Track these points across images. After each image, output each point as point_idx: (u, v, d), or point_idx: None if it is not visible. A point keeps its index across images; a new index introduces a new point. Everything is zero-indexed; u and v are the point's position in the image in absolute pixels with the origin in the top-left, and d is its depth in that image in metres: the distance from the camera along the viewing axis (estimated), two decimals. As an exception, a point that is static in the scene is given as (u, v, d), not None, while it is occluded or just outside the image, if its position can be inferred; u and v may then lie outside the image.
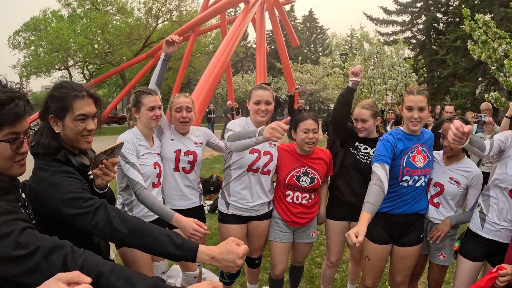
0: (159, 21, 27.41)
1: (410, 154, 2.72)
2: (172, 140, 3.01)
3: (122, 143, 2.11)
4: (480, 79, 19.11)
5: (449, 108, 7.76)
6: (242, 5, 14.71)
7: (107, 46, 24.40)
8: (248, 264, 3.33)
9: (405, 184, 2.72)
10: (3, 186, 1.36)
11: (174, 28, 25.23)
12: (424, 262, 3.11)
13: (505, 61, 6.34)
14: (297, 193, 3.01)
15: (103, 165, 1.88)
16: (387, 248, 2.87)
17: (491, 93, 7.20)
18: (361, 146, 3.11)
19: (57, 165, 1.68)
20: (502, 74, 7.14)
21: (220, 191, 3.16)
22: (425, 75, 22.97)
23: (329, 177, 3.28)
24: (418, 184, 2.73)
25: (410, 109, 2.64)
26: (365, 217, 2.21)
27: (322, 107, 36.52)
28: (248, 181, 2.96)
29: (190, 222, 2.13)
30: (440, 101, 19.69)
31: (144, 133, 2.80)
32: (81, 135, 1.76)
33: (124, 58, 24.55)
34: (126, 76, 26.89)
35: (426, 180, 2.78)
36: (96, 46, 25.50)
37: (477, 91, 18.93)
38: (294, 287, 3.55)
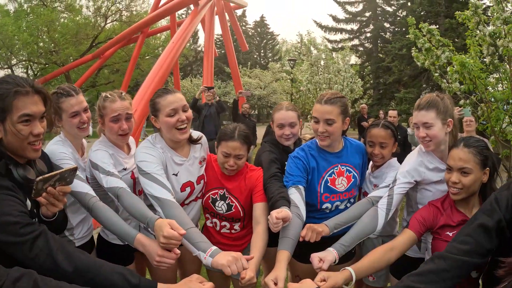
0: (108, 21, 26.71)
1: (327, 178, 2.29)
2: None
3: (75, 168, 1.61)
4: (424, 85, 20.03)
5: (392, 113, 7.97)
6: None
7: (52, 45, 23.40)
8: None
9: (327, 211, 2.32)
10: None
11: (123, 29, 24.61)
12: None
13: (448, 68, 6.51)
14: (214, 219, 2.46)
15: (48, 194, 1.50)
16: (310, 266, 2.27)
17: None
18: None
19: None
20: (444, 80, 7.33)
21: None
22: (371, 81, 23.79)
23: None
24: (342, 207, 2.34)
25: (316, 121, 2.21)
26: (284, 256, 1.88)
27: (270, 112, 36.95)
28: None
29: (155, 247, 1.68)
30: (385, 106, 20.42)
31: (75, 144, 2.30)
32: (27, 141, 1.45)
33: (71, 58, 23.61)
34: (72, 78, 25.92)
35: (353, 200, 2.41)
36: (41, 44, 24.32)
37: (421, 97, 19.77)
38: None
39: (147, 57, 27.82)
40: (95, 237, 2.53)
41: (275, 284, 1.72)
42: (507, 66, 6.37)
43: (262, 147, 2.60)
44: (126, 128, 2.29)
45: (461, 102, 7.08)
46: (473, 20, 6.70)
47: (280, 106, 2.63)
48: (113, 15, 26.84)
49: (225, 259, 1.66)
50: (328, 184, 2.26)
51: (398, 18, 23.14)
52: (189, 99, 30.13)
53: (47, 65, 24.92)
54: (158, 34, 26.43)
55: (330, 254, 1.90)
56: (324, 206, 2.29)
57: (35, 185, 1.43)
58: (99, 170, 2.09)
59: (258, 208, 2.23)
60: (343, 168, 2.30)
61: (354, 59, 26.27)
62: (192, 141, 2.39)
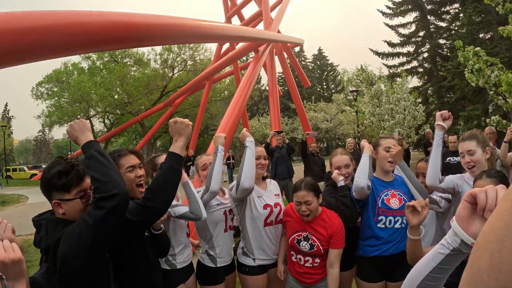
0: (175, 71, 28.68)
1: (384, 197, 2.90)
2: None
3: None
4: (489, 99, 19.13)
5: (452, 138, 7.89)
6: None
7: (126, 96, 25.49)
8: None
9: (382, 226, 2.88)
10: None
11: (189, 77, 26.28)
12: None
13: (499, 88, 6.78)
14: (299, 255, 2.90)
15: None
16: (379, 285, 2.93)
17: (492, 117, 7.59)
18: None
19: None
20: (500, 97, 7.50)
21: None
22: (436, 101, 23.28)
23: None
24: (397, 226, 2.87)
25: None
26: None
27: (339, 143, 36.96)
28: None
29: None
30: (453, 126, 19.92)
31: None
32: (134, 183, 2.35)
33: (143, 107, 25.54)
34: (146, 125, 27.84)
35: (405, 221, 2.79)
36: (116, 96, 26.51)
37: (490, 110, 19.02)
38: None
39: (213, 99, 29.37)
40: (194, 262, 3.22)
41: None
42: None
43: (326, 190, 3.22)
44: None
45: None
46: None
47: (336, 152, 3.29)
48: (179, 66, 28.76)
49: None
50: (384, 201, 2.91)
51: (453, 31, 22.74)
52: (258, 138, 31.31)
53: (122, 115, 27.14)
54: (223, 79, 27.93)
55: None
56: (379, 218, 2.91)
57: None
58: None
59: (334, 254, 2.79)
60: (395, 192, 2.94)
61: (416, 81, 25.92)
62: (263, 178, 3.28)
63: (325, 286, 2.87)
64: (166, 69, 28.63)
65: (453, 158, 6.36)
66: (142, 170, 2.35)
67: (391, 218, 2.86)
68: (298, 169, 10.72)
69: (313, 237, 2.81)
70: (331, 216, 2.86)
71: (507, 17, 6.77)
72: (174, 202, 2.72)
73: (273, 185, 3.31)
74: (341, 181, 2.99)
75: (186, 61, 29.05)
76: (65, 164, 1.74)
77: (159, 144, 38.47)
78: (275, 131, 9.63)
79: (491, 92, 7.47)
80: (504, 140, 5.60)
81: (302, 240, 2.85)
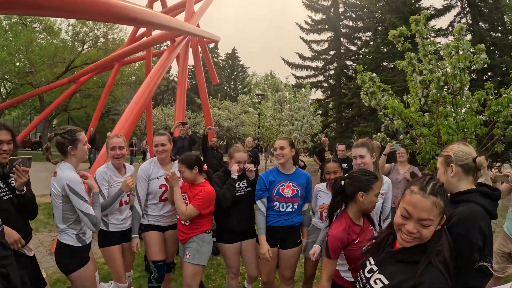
0: (85, 46, 26.87)
1: (279, 186, 3.72)
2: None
3: (30, 157, 2.90)
4: (381, 120, 21.05)
5: (340, 147, 8.93)
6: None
7: (28, 65, 23.16)
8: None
9: (277, 210, 3.74)
10: None
11: (99, 55, 24.97)
12: (315, 265, 4.04)
13: (389, 110, 7.64)
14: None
15: (15, 170, 2.74)
16: (273, 250, 3.74)
17: (378, 134, 8.50)
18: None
19: None
20: (388, 118, 8.41)
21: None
22: (334, 115, 25.09)
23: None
24: (288, 210, 3.72)
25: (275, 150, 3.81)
26: (263, 237, 3.61)
27: (239, 143, 37.74)
28: None
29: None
30: (347, 139, 21.70)
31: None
32: None
33: (44, 79, 23.51)
34: (45, 100, 25.81)
35: (296, 206, 3.74)
36: (17, 63, 24.05)
37: (382, 129, 21.01)
38: None
39: (119, 82, 28.13)
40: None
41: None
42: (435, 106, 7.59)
43: (217, 174, 4.07)
44: (119, 154, 3.76)
45: (401, 136, 8.26)
46: (408, 69, 7.93)
47: (238, 148, 4.04)
48: (91, 41, 27.06)
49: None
50: (279, 190, 3.72)
51: (361, 55, 24.75)
52: (158, 128, 30.72)
53: (22, 85, 24.68)
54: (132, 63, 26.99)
55: (318, 248, 3.41)
56: (274, 204, 3.73)
57: (9, 162, 2.77)
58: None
59: (189, 206, 3.59)
60: (290, 183, 3.75)
61: (319, 94, 27.57)
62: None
63: (196, 242, 3.63)
64: (76, 43, 26.61)
65: (343, 165, 7.06)
66: (9, 146, 2.83)
67: (284, 203, 3.70)
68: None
69: (187, 198, 3.68)
70: (205, 185, 3.69)
71: (404, 53, 7.66)
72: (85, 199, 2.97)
73: (175, 167, 4.01)
74: (234, 175, 3.84)
75: (99, 37, 27.38)
76: None
77: (55, 122, 35.62)
78: (179, 122, 9.72)
79: (380, 113, 8.31)
80: (383, 153, 6.42)
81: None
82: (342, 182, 2.71)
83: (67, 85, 21.65)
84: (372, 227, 2.79)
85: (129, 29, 19.82)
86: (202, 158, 9.54)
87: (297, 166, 3.96)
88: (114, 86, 23.97)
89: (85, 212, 2.86)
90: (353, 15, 25.99)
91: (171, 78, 47.45)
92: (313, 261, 3.81)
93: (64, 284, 4.70)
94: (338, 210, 2.76)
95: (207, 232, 3.72)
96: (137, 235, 3.85)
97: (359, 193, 2.60)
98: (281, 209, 3.69)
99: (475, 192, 2.15)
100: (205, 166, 3.85)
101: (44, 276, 4.32)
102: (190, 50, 15.69)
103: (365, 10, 23.68)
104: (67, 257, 3.01)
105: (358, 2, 25.23)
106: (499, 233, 4.78)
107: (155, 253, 3.94)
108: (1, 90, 28.45)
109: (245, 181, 4.01)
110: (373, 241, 2.06)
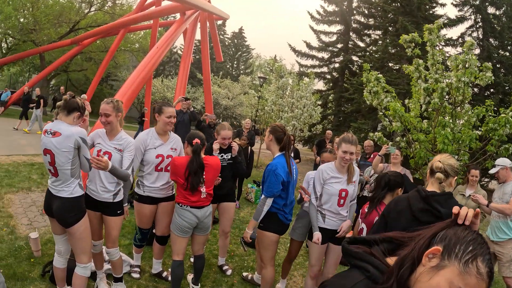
0: (92, 8, 26.28)
1: None
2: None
3: None
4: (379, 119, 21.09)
5: (338, 140, 9.05)
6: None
7: (33, 22, 22.54)
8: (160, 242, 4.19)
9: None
10: None
11: (105, 19, 24.54)
12: (298, 247, 4.49)
13: (390, 112, 7.75)
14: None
15: None
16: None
17: (375, 133, 8.62)
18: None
19: None
20: (387, 119, 8.52)
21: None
22: (333, 108, 25.13)
23: None
24: None
25: None
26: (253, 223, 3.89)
27: (234, 122, 37.67)
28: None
29: None
30: (342, 133, 21.56)
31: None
32: None
33: (46, 38, 23.11)
34: (46, 59, 25.43)
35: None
36: (22, 20, 23.50)
37: (378, 128, 21.17)
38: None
39: (122, 49, 27.79)
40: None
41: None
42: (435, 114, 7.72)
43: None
44: (105, 121, 3.54)
45: (398, 138, 8.40)
46: (415, 74, 8.02)
47: (224, 126, 4.62)
48: (98, 4, 26.44)
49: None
50: None
51: (368, 53, 24.68)
52: (157, 99, 30.25)
53: (24, 42, 24.11)
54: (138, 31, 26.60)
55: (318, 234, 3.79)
56: None
57: None
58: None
59: None
60: None
61: (321, 85, 27.51)
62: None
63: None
64: (84, 4, 25.93)
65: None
66: None
67: None
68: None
69: None
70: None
71: (413, 59, 7.73)
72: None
73: (174, 139, 4.24)
74: (216, 151, 4.37)
75: (107, 1, 26.58)
76: None
77: (53, 82, 35.19)
78: (182, 97, 9.77)
79: (380, 113, 8.41)
80: (379, 154, 6.56)
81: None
82: (389, 178, 3.58)
83: (70, 46, 21.46)
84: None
85: (138, -3, 19.44)
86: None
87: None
88: (116, 52, 23.60)
89: (88, 158, 3.20)
90: (366, 12, 25.78)
91: (175, 50, 46.97)
92: (297, 244, 4.42)
93: (55, 245, 4.80)
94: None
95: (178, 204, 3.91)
96: (127, 204, 3.93)
97: (399, 188, 3.58)
98: None
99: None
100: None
101: (36, 236, 4.46)
102: (198, 25, 15.61)
103: (378, 8, 23.47)
104: (73, 209, 3.22)
105: (373, 0, 25.04)
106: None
107: (143, 223, 4.27)
108: (2, 45, 27.89)
109: (230, 153, 4.71)
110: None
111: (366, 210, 3.78)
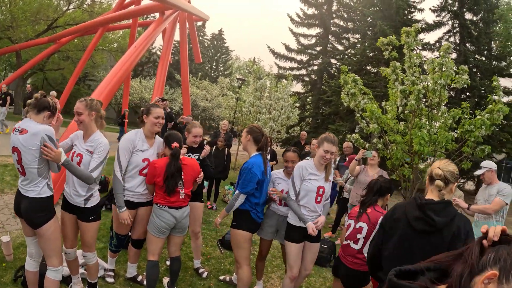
0: (70, 6, 25.66)
1: None
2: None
3: None
4: (357, 121, 21.22)
5: (314, 141, 9.08)
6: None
7: (10, 19, 21.87)
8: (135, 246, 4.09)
9: None
10: None
11: (83, 17, 24.06)
12: (268, 246, 4.52)
13: (367, 113, 7.81)
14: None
15: None
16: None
17: (353, 135, 8.68)
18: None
19: None
20: (364, 121, 8.58)
21: None
22: (311, 110, 25.28)
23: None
24: None
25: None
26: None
27: (213, 124, 37.53)
28: None
29: None
30: (320, 135, 21.74)
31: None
32: None
33: (23, 36, 22.52)
34: (23, 57, 24.76)
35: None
36: None
37: (356, 130, 21.35)
38: None
39: (101, 48, 27.27)
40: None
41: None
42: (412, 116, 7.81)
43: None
44: (77, 120, 3.40)
45: (375, 140, 8.46)
46: (392, 77, 8.10)
47: (195, 125, 4.75)
48: (77, 1, 25.91)
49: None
50: None
51: (346, 56, 24.94)
52: (134, 99, 29.68)
53: (0, 39, 23.41)
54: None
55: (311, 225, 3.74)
56: None
57: None
58: None
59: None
60: None
61: (299, 87, 27.67)
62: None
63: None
64: (62, 1, 25.34)
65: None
66: None
67: None
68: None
69: None
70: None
71: (390, 62, 7.81)
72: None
73: (158, 144, 4.13)
74: (183, 155, 4.18)
75: None
76: None
77: (29, 81, 34.30)
78: (159, 98, 9.66)
79: (358, 115, 8.46)
80: (355, 158, 6.61)
81: None
82: (380, 184, 3.79)
83: (47, 44, 20.87)
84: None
85: (117, -6, 19.11)
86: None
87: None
88: (94, 51, 23.21)
89: None
90: (345, 15, 26.12)
91: (154, 51, 46.42)
92: (267, 242, 4.42)
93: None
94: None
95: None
96: (125, 208, 3.82)
97: (388, 193, 3.84)
98: None
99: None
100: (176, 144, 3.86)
101: (7, 239, 4.31)
102: (177, 25, 15.48)
103: (357, 12, 23.78)
104: (40, 209, 3.12)
105: (352, 4, 25.34)
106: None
107: (122, 229, 4.14)
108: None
109: (198, 154, 4.78)
110: None
111: (357, 210, 3.86)
